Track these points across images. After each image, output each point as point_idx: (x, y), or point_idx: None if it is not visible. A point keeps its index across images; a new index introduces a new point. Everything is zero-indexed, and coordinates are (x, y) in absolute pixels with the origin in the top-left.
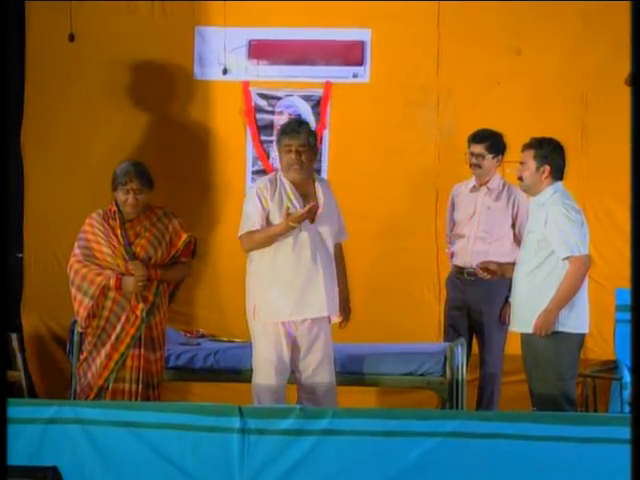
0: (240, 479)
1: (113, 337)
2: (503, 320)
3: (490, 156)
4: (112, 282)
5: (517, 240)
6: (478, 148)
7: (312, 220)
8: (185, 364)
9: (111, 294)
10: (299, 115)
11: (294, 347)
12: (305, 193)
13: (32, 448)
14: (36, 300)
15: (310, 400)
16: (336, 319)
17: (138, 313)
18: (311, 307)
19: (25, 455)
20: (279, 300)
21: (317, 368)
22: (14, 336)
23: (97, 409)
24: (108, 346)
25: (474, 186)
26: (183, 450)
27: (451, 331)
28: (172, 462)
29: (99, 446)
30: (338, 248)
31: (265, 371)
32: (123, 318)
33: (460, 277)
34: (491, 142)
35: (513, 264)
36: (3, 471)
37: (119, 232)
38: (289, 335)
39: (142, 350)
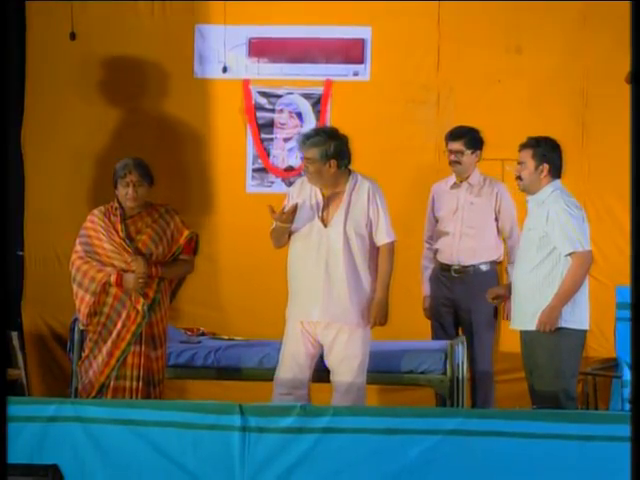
0: (241, 477)
1: (114, 334)
2: (503, 316)
3: (469, 152)
4: (113, 278)
5: (500, 234)
6: (456, 145)
7: (324, 224)
8: (186, 362)
9: (112, 290)
10: (299, 113)
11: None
12: (331, 195)
13: (33, 446)
14: (36, 298)
15: (334, 398)
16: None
17: (139, 307)
18: (305, 311)
19: (26, 453)
20: (292, 299)
21: (338, 367)
22: (14, 334)
23: (97, 407)
24: (109, 343)
25: (455, 183)
26: (184, 448)
27: (439, 328)
28: (173, 460)
29: (100, 444)
30: (381, 250)
31: (280, 363)
32: (124, 315)
33: (446, 275)
34: (468, 138)
35: (496, 262)
36: (4, 469)
37: (120, 227)
38: (309, 334)
39: (143, 347)
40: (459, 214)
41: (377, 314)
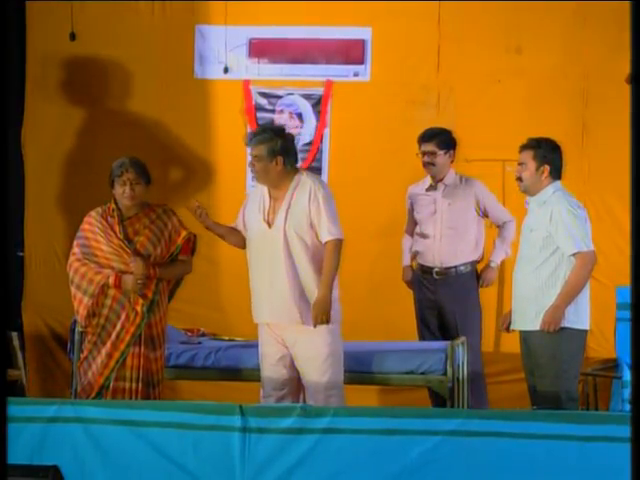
0: (241, 478)
1: (113, 335)
2: (484, 284)
3: (442, 152)
4: (111, 280)
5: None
6: (429, 146)
7: (269, 225)
8: (186, 363)
9: (111, 292)
10: (299, 114)
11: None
12: (277, 195)
13: (33, 447)
14: (37, 299)
15: (306, 398)
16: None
17: (138, 309)
18: (258, 312)
19: (26, 454)
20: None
21: (303, 367)
22: (14, 334)
23: (98, 408)
24: (108, 344)
25: (430, 185)
26: (184, 449)
27: (425, 331)
28: (173, 461)
29: (100, 445)
30: (325, 248)
31: (260, 363)
32: (123, 316)
33: (428, 277)
34: (440, 139)
35: (476, 262)
36: (4, 470)
37: (118, 229)
38: (276, 334)
39: (142, 348)
40: (438, 216)
41: (317, 312)
